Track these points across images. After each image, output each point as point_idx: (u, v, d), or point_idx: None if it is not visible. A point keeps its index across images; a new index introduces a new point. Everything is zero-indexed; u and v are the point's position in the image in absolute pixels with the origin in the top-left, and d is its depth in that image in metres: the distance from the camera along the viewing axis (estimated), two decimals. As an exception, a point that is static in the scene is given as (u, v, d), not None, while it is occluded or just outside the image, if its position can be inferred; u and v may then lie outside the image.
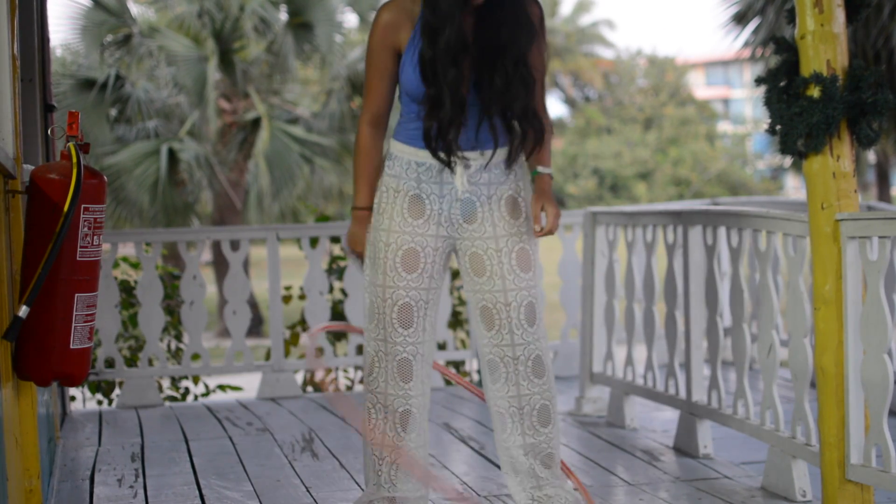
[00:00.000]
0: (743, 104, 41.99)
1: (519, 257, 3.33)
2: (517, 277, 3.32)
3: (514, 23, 3.26)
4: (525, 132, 3.31)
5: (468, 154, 3.29)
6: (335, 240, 6.99)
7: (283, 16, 16.65)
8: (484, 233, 3.33)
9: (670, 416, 5.35)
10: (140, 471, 4.63)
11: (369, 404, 3.39)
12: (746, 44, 12.74)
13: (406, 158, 3.32)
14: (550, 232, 3.29)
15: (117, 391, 6.77)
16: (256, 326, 15.83)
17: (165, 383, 7.14)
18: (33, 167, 3.30)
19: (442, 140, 3.24)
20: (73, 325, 3.13)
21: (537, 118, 3.31)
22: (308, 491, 4.21)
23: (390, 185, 3.34)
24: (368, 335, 3.39)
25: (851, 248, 3.56)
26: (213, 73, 16.12)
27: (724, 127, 40.54)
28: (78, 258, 3.11)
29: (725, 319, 6.09)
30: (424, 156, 3.30)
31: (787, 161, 15.83)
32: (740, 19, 12.67)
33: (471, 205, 3.33)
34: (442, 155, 3.25)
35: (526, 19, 3.28)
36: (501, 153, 3.33)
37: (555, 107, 39.64)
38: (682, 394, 4.81)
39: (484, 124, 3.26)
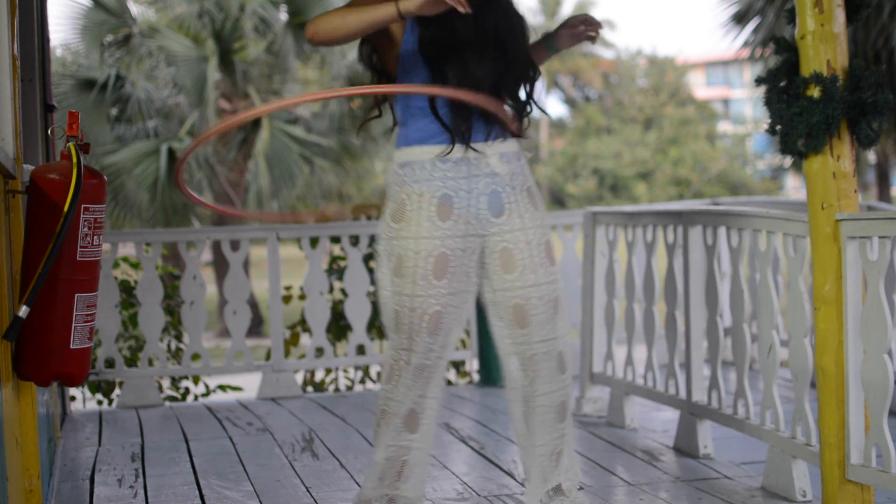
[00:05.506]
0: (743, 104, 41.98)
1: (547, 250, 3.31)
2: (546, 271, 3.28)
3: (507, 16, 3.29)
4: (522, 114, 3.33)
5: (485, 147, 3.26)
6: (335, 240, 6.99)
7: (283, 16, 16.66)
8: (513, 225, 3.27)
9: (670, 416, 5.35)
10: (140, 471, 4.63)
11: (384, 407, 3.35)
12: (746, 44, 12.75)
13: (426, 159, 3.23)
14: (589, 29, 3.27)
15: (117, 391, 6.77)
16: (256, 326, 15.85)
17: (165, 383, 7.14)
18: (33, 167, 3.30)
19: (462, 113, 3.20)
20: (73, 325, 3.13)
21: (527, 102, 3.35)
22: (308, 491, 4.21)
23: (413, 192, 3.24)
24: (392, 344, 3.33)
25: (851, 248, 3.55)
26: (213, 73, 16.13)
27: (724, 127, 40.55)
28: (78, 258, 3.11)
29: (725, 319, 6.09)
30: (445, 150, 3.23)
31: (787, 161, 15.83)
32: (740, 19, 12.69)
33: (497, 197, 3.26)
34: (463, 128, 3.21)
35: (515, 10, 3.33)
36: (513, 143, 3.31)
37: (555, 107, 39.67)
38: (682, 394, 4.81)
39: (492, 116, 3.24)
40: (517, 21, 3.33)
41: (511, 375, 3.36)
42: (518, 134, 3.33)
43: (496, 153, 3.27)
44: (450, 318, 3.28)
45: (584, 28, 3.34)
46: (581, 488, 3.54)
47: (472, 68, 3.20)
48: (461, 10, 2.95)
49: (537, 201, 3.33)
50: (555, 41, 3.42)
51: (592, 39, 3.40)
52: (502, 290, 3.29)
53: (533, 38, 3.41)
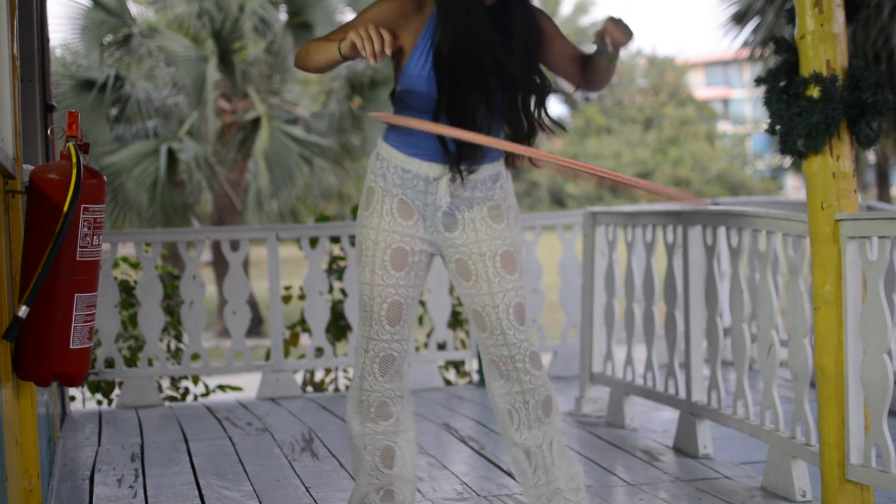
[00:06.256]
0: (743, 104, 41.98)
1: (503, 260, 3.31)
2: (503, 280, 3.30)
3: (523, 26, 3.27)
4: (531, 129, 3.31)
5: (442, 171, 3.27)
6: (335, 240, 6.99)
7: (283, 16, 16.66)
8: (466, 239, 3.32)
9: (670, 416, 5.35)
10: (140, 471, 4.63)
11: (353, 398, 3.41)
12: (746, 44, 12.76)
13: (393, 163, 3.29)
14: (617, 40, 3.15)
15: (117, 391, 6.77)
16: (256, 326, 15.83)
17: (165, 383, 7.15)
18: (33, 167, 3.30)
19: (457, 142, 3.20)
20: (73, 325, 3.13)
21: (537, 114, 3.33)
22: (308, 491, 4.21)
23: (378, 185, 3.32)
24: (357, 332, 3.42)
25: (851, 249, 3.56)
26: (213, 74, 16.12)
27: (723, 127, 40.55)
28: (78, 258, 3.11)
29: (725, 319, 6.09)
30: (412, 164, 3.27)
31: (787, 161, 15.84)
32: (740, 19, 12.69)
33: (451, 217, 3.32)
34: (451, 161, 3.23)
35: (533, 22, 3.30)
36: (493, 167, 3.32)
37: (554, 107, 39.65)
38: (682, 394, 4.81)
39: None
40: (529, 36, 3.30)
41: (486, 377, 3.41)
42: (514, 161, 3.35)
43: (446, 181, 3.26)
44: (409, 310, 3.35)
45: (616, 31, 3.21)
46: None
47: (468, 100, 3.20)
48: (372, 61, 3.02)
49: (502, 215, 3.33)
50: (606, 52, 3.25)
51: (627, 36, 3.16)
52: (462, 295, 3.37)
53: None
